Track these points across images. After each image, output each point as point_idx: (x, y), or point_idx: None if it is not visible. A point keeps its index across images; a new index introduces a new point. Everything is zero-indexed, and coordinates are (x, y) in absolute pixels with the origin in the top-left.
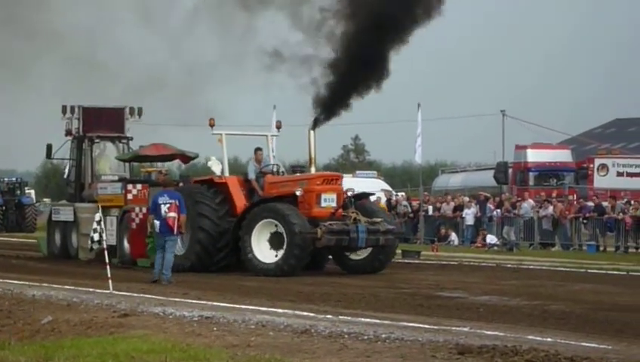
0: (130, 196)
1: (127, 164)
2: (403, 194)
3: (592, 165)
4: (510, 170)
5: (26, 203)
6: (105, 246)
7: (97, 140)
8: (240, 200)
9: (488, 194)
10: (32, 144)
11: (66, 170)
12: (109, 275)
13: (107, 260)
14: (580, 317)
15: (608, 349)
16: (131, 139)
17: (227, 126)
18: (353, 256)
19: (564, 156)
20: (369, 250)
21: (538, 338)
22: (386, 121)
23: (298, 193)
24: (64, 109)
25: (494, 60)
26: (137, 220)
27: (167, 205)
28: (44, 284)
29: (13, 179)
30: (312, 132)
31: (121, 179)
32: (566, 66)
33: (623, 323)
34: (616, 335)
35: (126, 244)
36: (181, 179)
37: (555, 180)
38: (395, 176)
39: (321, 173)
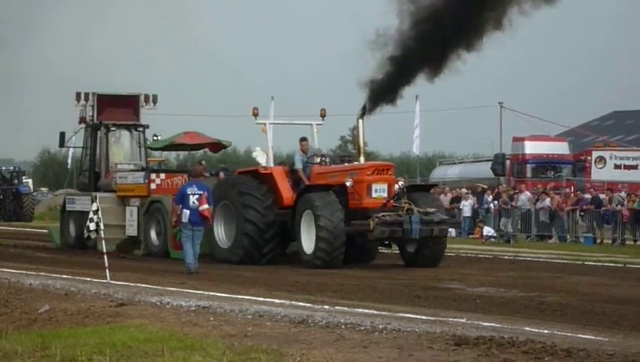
0: (153, 186)
1: (142, 153)
2: (402, 182)
3: (589, 157)
4: (508, 162)
5: (23, 192)
6: (102, 235)
7: (113, 128)
8: (286, 191)
9: (485, 186)
10: (31, 133)
11: (69, 160)
12: (106, 265)
13: (104, 250)
14: (576, 309)
15: (605, 341)
16: (147, 127)
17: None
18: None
19: (561, 148)
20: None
21: (535, 330)
22: (384, 112)
23: (348, 184)
24: (78, 96)
25: (492, 52)
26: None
27: (196, 196)
28: (42, 273)
29: (11, 168)
30: (360, 120)
31: (144, 168)
32: (564, 58)
33: (619, 315)
34: (612, 327)
35: (153, 236)
36: (221, 169)
37: (552, 172)
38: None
39: (372, 163)
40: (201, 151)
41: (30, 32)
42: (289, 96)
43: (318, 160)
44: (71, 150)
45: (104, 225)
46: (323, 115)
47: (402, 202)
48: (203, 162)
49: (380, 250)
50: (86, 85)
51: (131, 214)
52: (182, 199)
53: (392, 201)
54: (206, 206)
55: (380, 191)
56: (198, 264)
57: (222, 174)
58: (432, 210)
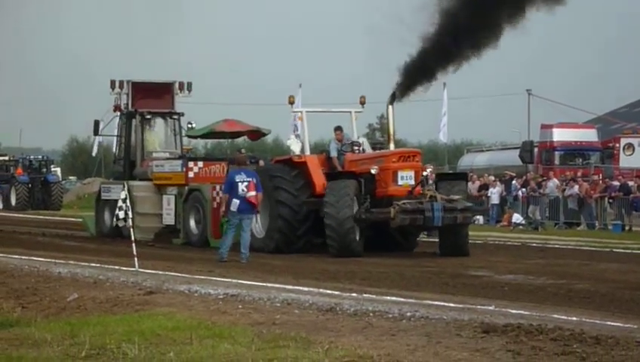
0: (191, 174)
1: (177, 141)
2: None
3: (617, 144)
4: (536, 150)
5: (51, 181)
6: (131, 223)
7: (148, 116)
8: (320, 180)
9: (514, 174)
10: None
11: (95, 148)
12: (134, 253)
13: (133, 238)
14: (605, 297)
15: (633, 328)
16: (182, 114)
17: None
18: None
19: (589, 135)
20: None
21: (563, 317)
22: (412, 99)
23: (373, 171)
24: (112, 84)
25: (520, 39)
26: (219, 199)
27: (245, 183)
28: (70, 262)
29: (39, 157)
30: (390, 107)
31: (181, 156)
32: (593, 45)
33: None
34: None
35: (192, 224)
36: (253, 157)
37: (580, 159)
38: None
39: (397, 150)
40: (241, 139)
41: (57, 20)
42: (318, 84)
43: (353, 147)
44: (97, 139)
45: (140, 213)
46: (363, 103)
47: (426, 189)
48: (243, 150)
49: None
50: (117, 73)
51: (168, 203)
52: (230, 187)
53: (418, 188)
54: (254, 192)
55: (406, 178)
56: (248, 252)
57: (262, 162)
58: (456, 197)
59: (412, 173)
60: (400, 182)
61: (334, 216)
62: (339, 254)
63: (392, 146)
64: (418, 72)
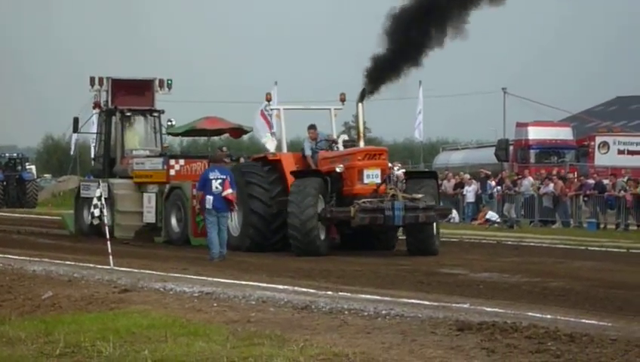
0: (172, 172)
1: (157, 139)
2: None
3: (593, 143)
4: (511, 148)
5: (27, 178)
6: (106, 221)
7: (128, 113)
8: (292, 178)
9: (489, 172)
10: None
11: (72, 146)
12: (109, 251)
13: (107, 236)
14: (579, 294)
15: (608, 326)
16: (163, 112)
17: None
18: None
19: (565, 134)
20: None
21: (538, 315)
22: (387, 97)
23: (338, 170)
24: (92, 81)
25: (495, 37)
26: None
27: (219, 181)
28: (45, 260)
29: (14, 154)
30: (360, 104)
31: (162, 154)
32: (567, 43)
33: (622, 301)
34: (616, 313)
35: (174, 222)
36: (230, 155)
37: (556, 158)
38: (396, 153)
39: (363, 148)
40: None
41: (36, 16)
42: (293, 81)
43: (327, 145)
44: (74, 136)
45: (121, 211)
46: (343, 100)
47: (388, 188)
48: (224, 148)
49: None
50: (94, 70)
51: (149, 201)
52: (204, 185)
53: (383, 187)
54: (230, 190)
55: (372, 176)
56: (225, 250)
57: (242, 160)
58: (418, 196)
59: (378, 172)
60: (366, 181)
61: (297, 215)
62: (302, 253)
63: (361, 144)
64: (385, 66)
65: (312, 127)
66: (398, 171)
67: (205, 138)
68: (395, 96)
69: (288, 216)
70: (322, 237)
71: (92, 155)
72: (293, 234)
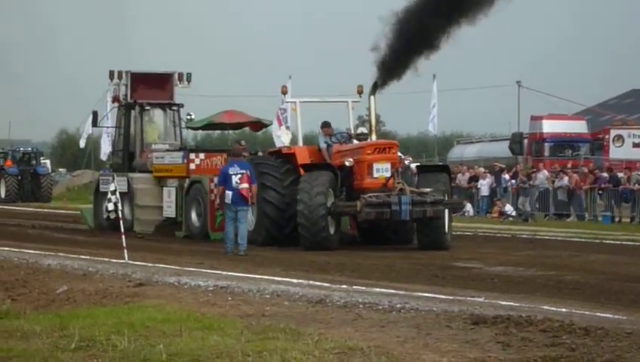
0: (192, 166)
1: (177, 133)
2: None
3: (607, 136)
4: (525, 141)
5: (41, 173)
6: (120, 215)
7: (147, 107)
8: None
9: (503, 165)
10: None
11: (82, 141)
12: (124, 245)
13: (122, 230)
14: (594, 288)
15: (622, 319)
16: (182, 106)
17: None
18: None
19: (579, 127)
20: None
21: (553, 309)
22: (402, 91)
23: (347, 163)
24: (111, 75)
25: (510, 31)
26: (216, 191)
27: (239, 175)
28: (60, 254)
29: (29, 149)
30: (372, 97)
31: (182, 148)
32: (582, 36)
33: (637, 294)
34: (630, 306)
35: (194, 217)
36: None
37: (570, 151)
38: (411, 147)
39: (372, 142)
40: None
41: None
42: (307, 75)
43: (345, 138)
44: (87, 131)
45: (140, 206)
46: (360, 92)
47: (396, 182)
48: (242, 142)
49: None
50: (111, 64)
51: (169, 195)
52: (224, 180)
53: (391, 181)
54: (246, 185)
55: (382, 170)
56: (246, 244)
57: (260, 153)
58: (427, 190)
59: (388, 166)
60: (375, 175)
61: (306, 201)
62: (308, 244)
63: (373, 137)
64: (396, 59)
65: (326, 124)
66: (408, 164)
67: (219, 132)
68: (409, 90)
69: (297, 204)
70: (332, 231)
71: (102, 150)
72: (301, 223)
